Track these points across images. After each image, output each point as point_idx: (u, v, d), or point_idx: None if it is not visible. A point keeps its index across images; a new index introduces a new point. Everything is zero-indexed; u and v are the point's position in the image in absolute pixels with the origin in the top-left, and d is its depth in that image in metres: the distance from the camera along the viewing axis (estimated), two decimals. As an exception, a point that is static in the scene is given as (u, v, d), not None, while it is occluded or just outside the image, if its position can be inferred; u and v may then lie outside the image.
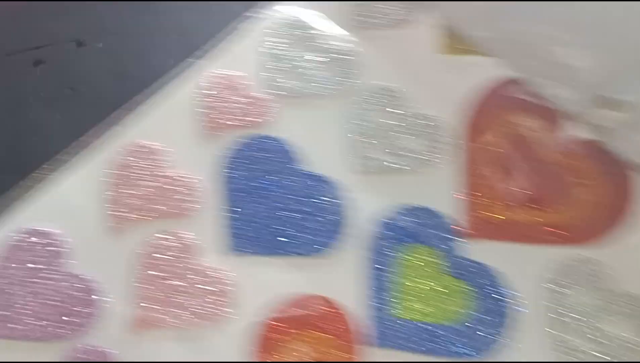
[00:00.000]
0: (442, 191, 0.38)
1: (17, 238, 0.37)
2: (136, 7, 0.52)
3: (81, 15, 0.54)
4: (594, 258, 0.36)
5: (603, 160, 0.37)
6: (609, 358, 0.34)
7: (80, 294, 0.36)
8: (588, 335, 0.35)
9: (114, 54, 0.49)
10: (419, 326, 0.36)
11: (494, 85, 0.39)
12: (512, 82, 0.39)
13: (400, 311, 0.36)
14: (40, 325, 0.35)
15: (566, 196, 0.37)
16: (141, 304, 0.36)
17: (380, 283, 0.36)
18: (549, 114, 0.38)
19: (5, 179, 0.42)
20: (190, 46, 0.46)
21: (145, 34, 0.50)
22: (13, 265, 0.36)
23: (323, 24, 0.42)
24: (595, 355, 0.35)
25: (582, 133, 0.36)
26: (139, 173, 0.39)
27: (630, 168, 0.36)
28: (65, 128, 0.45)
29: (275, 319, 0.36)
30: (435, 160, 0.39)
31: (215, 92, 0.40)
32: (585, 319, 0.35)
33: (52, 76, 0.49)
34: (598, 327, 0.35)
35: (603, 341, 0.35)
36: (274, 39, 0.42)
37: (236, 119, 0.40)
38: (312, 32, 0.42)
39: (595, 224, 0.37)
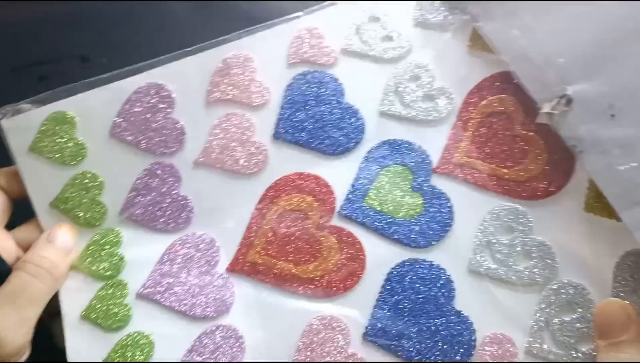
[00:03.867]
0: (432, 138, 0.52)
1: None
2: (140, 23, 0.52)
3: (86, 31, 0.53)
4: (521, 209, 0.48)
5: (550, 139, 0.48)
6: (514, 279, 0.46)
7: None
8: (498, 257, 0.47)
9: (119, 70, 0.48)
10: (383, 214, 0.50)
11: (491, 74, 0.52)
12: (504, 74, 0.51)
13: (370, 202, 0.50)
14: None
15: (519, 158, 0.49)
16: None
17: (365, 177, 0.51)
18: (523, 100, 0.50)
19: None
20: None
21: (150, 49, 0.49)
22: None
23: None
24: (502, 277, 0.46)
25: (541, 118, 0.48)
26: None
27: (569, 149, 0.48)
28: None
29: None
30: (436, 120, 0.52)
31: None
32: (501, 249, 0.48)
33: (56, 92, 0.49)
34: (510, 260, 0.47)
35: (511, 265, 0.47)
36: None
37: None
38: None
39: (535, 187, 0.48)
